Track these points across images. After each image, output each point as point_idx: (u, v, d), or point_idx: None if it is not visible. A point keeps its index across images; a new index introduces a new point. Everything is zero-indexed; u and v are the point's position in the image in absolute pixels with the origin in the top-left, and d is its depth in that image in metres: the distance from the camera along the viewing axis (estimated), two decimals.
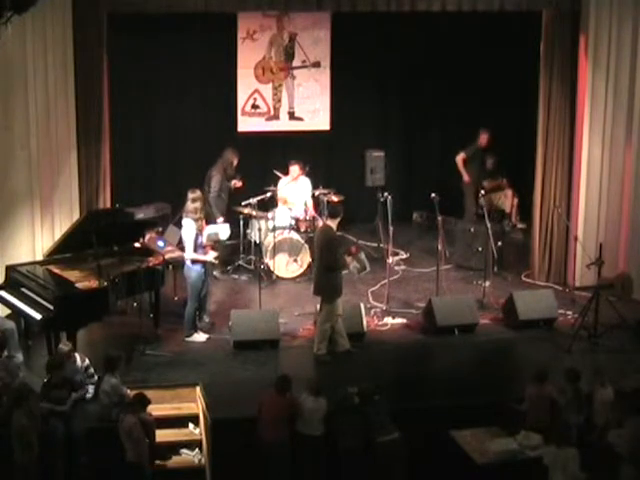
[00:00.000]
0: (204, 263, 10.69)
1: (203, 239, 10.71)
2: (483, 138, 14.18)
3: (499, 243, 12.55)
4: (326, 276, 10.20)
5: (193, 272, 10.63)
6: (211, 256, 10.80)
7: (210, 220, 11.73)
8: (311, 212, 12.91)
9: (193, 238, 10.58)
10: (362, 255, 10.91)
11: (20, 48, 10.82)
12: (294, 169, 12.88)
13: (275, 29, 14.35)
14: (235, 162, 12.84)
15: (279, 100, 14.64)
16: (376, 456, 8.48)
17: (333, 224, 10.31)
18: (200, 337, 10.74)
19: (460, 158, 14.18)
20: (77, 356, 9.17)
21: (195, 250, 10.60)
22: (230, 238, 11.91)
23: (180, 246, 11.13)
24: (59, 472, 8.48)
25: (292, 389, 8.67)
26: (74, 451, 8.56)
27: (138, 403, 8.44)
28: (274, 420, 8.52)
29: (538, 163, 12.45)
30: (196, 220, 10.62)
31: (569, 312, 11.51)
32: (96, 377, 9.13)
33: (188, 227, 10.63)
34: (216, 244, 11.08)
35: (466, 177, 14.20)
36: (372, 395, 8.62)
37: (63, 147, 11.41)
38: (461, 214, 14.22)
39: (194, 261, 10.63)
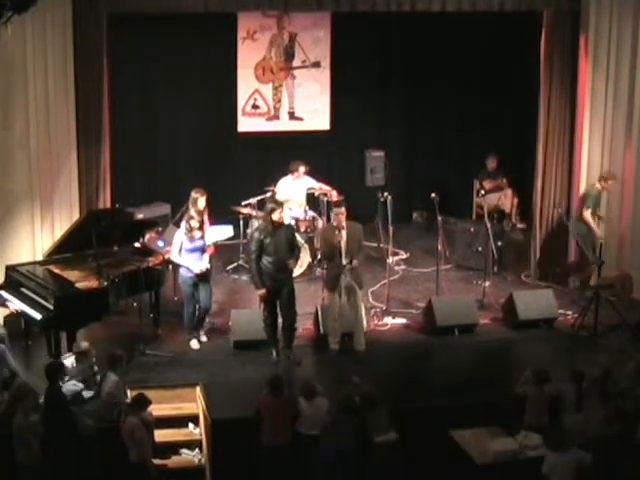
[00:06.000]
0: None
1: (202, 243, 10.60)
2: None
3: (499, 243, 12.56)
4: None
5: (180, 277, 10.59)
6: (197, 266, 10.39)
7: None
8: (311, 213, 12.88)
9: (179, 242, 10.45)
10: None
11: (20, 48, 10.80)
12: (301, 168, 12.81)
13: (275, 29, 14.33)
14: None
15: (279, 100, 14.62)
16: (373, 456, 8.44)
17: None
18: (194, 345, 10.58)
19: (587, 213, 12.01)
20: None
21: (179, 254, 10.47)
22: (230, 238, 11.92)
23: None
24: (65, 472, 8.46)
25: (285, 388, 8.60)
26: (81, 450, 8.54)
27: (137, 404, 8.44)
28: (274, 422, 8.47)
29: (538, 163, 12.44)
30: (190, 229, 10.36)
31: (569, 312, 11.52)
32: (98, 377, 9.13)
33: (179, 230, 10.60)
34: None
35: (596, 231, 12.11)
36: (374, 397, 8.60)
37: (63, 147, 11.39)
38: (461, 214, 14.20)
39: (175, 265, 10.65)
